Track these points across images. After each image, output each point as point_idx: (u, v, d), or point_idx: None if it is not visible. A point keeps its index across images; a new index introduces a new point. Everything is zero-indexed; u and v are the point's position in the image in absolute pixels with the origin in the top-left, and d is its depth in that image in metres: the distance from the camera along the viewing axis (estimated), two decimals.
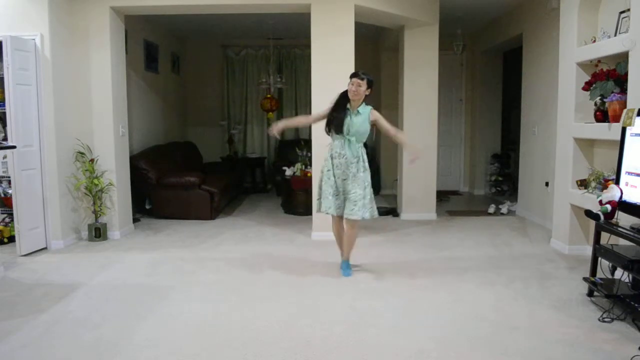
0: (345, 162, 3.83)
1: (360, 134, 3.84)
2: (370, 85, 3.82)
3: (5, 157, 4.69)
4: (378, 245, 4.97)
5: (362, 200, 3.80)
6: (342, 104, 3.86)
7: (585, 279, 3.47)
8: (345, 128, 3.81)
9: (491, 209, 6.59)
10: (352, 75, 3.83)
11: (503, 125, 8.25)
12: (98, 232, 5.08)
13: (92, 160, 5.04)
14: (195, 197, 6.08)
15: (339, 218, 4.00)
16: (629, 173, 3.22)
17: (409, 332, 2.89)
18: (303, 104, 8.81)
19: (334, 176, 3.87)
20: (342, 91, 3.90)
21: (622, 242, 3.30)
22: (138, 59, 6.65)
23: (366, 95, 3.85)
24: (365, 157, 3.92)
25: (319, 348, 2.69)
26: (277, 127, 3.97)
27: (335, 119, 3.83)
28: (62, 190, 4.86)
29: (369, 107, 3.88)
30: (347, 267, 4.03)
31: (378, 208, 6.43)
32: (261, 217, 6.35)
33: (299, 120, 4.12)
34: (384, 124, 3.88)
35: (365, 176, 3.87)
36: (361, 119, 3.82)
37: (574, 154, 4.41)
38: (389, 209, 6.58)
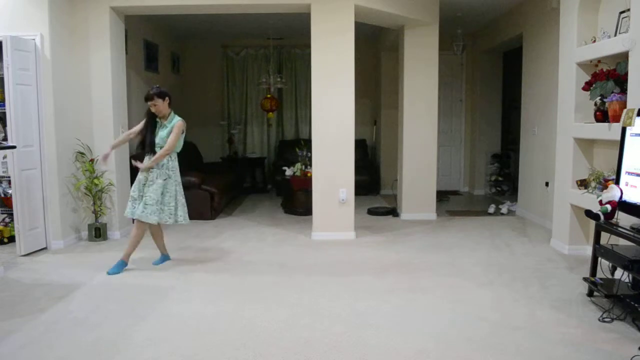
0: (149, 170, 4.03)
1: (163, 146, 4.02)
2: (162, 96, 4.01)
3: (5, 157, 4.69)
4: (378, 245, 4.96)
5: (154, 206, 3.97)
6: (152, 121, 4.10)
7: (585, 279, 3.48)
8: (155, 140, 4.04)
9: (491, 209, 6.59)
10: (146, 99, 4.03)
11: (503, 125, 8.25)
12: (98, 232, 5.08)
13: (92, 160, 5.04)
14: (195, 197, 6.07)
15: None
16: (629, 173, 3.22)
17: (409, 332, 2.89)
18: (303, 104, 8.82)
19: (138, 182, 4.06)
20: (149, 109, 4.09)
21: (622, 242, 3.29)
22: (138, 59, 6.65)
23: (169, 104, 4.08)
24: (173, 165, 4.08)
25: (319, 348, 2.69)
26: (104, 155, 4.12)
27: (148, 138, 4.06)
28: (62, 190, 4.87)
29: (176, 120, 4.08)
30: (119, 266, 4.06)
31: (378, 208, 6.61)
32: (261, 217, 6.36)
33: (121, 139, 4.36)
34: (171, 135, 4.00)
35: (166, 184, 4.03)
36: (166, 131, 4.03)
37: (574, 154, 4.41)
38: (389, 209, 6.59)
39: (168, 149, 4.00)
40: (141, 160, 4.11)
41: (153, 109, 4.05)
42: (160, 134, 4.06)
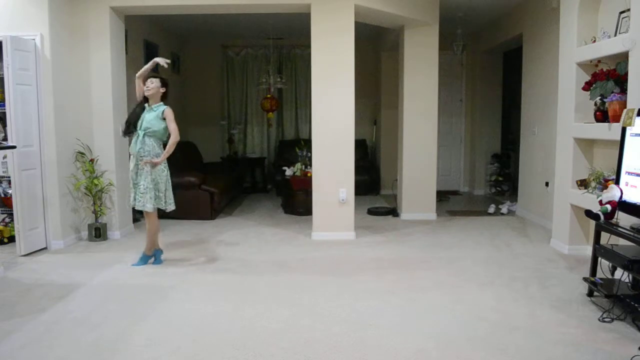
0: (138, 156, 4.11)
1: (151, 130, 4.10)
2: (163, 84, 4.18)
3: (5, 157, 4.70)
4: (378, 245, 4.96)
5: (147, 194, 4.08)
6: (142, 103, 4.21)
7: (585, 279, 3.48)
8: (139, 123, 4.13)
9: (491, 209, 6.59)
10: (150, 76, 4.19)
11: (503, 125, 8.25)
12: (98, 232, 5.08)
13: (92, 160, 5.04)
14: (195, 197, 6.07)
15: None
16: (629, 173, 3.22)
17: (408, 332, 2.89)
18: (303, 104, 8.81)
19: (131, 170, 4.18)
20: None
21: (622, 242, 3.29)
22: (138, 59, 6.64)
23: (165, 95, 4.21)
24: (160, 153, 4.16)
25: (319, 348, 2.69)
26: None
27: (131, 116, 4.23)
28: (62, 190, 4.86)
29: (164, 107, 4.17)
30: (143, 259, 4.29)
31: (378, 208, 6.61)
32: (261, 217, 6.36)
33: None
34: (170, 125, 4.13)
35: (154, 169, 4.11)
36: (153, 115, 4.12)
37: (574, 154, 4.41)
38: (389, 209, 6.58)
39: (175, 137, 4.12)
40: (128, 144, 4.22)
41: (147, 85, 4.11)
42: (147, 116, 4.11)
